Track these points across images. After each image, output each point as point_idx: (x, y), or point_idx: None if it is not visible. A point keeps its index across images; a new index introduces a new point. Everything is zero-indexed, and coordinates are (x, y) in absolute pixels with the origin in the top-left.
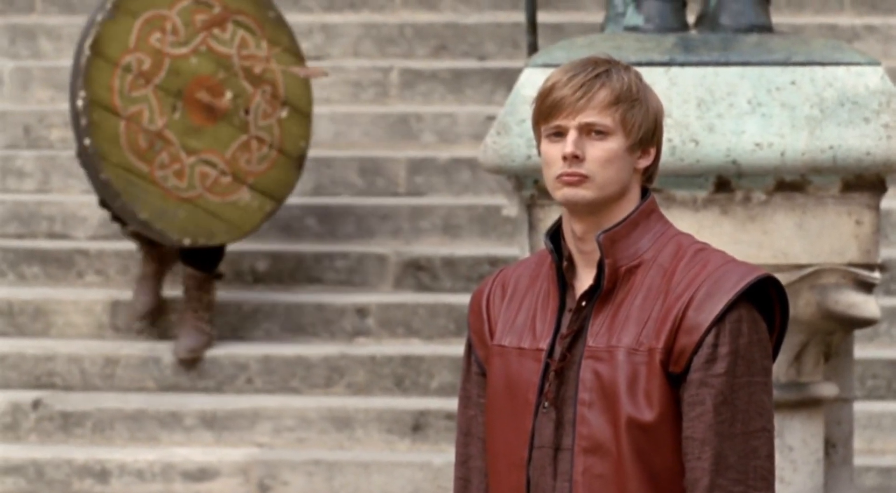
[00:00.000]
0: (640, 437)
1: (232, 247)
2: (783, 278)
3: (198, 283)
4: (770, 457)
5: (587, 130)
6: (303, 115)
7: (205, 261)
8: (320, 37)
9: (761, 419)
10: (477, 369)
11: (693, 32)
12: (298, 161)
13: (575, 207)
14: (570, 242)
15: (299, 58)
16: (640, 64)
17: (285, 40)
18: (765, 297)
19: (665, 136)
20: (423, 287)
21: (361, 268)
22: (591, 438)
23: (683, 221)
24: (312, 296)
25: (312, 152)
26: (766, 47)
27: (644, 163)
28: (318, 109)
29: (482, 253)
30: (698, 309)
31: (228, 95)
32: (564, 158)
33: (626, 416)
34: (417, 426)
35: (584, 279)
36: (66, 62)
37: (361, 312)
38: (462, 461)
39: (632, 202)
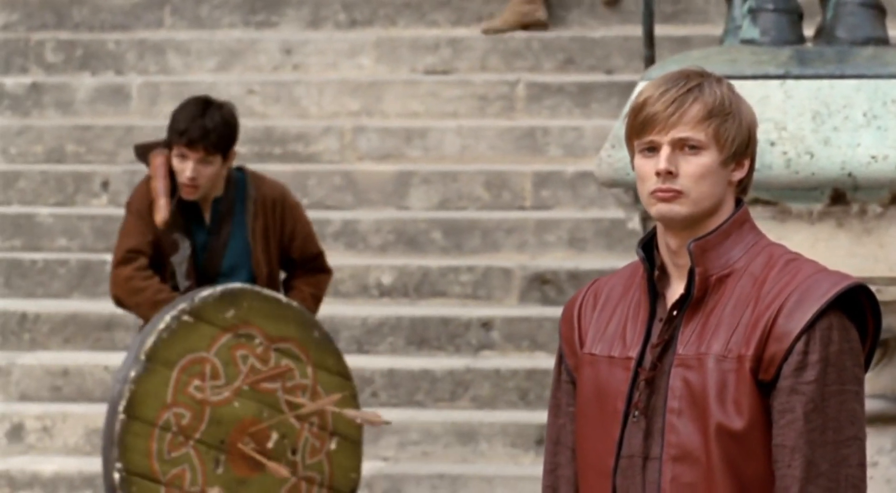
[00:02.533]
0: (729, 445)
1: (357, 261)
2: None
3: None
4: (861, 466)
5: (680, 146)
6: (353, 443)
7: None
8: (447, 51)
9: (853, 428)
10: (567, 377)
11: (808, 45)
12: None
13: (670, 223)
14: (665, 255)
15: (346, 378)
16: (755, 77)
17: (331, 362)
18: (857, 305)
19: (780, 148)
20: (548, 301)
21: (487, 281)
22: (679, 446)
23: (799, 234)
24: (437, 309)
25: (439, 167)
26: (882, 60)
27: (738, 175)
28: (445, 123)
29: (608, 267)
30: (788, 317)
31: (274, 436)
32: (658, 173)
33: (716, 423)
34: (542, 439)
35: (676, 290)
36: (195, 77)
37: (486, 325)
38: (550, 470)
39: (726, 215)
